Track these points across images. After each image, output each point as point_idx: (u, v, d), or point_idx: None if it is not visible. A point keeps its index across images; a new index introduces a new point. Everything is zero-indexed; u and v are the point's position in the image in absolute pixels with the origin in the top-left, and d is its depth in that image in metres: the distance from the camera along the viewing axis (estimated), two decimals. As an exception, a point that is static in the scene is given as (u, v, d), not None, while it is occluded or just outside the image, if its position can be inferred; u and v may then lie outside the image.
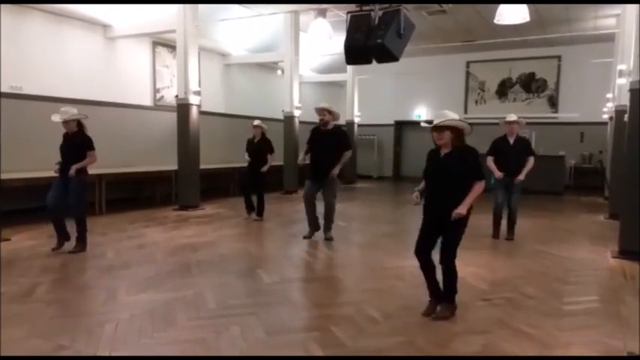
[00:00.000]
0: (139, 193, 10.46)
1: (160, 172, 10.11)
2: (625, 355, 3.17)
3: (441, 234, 3.77)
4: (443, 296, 3.81)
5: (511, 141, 6.76)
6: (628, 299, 4.32)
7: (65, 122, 5.67)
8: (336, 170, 6.35)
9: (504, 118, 6.86)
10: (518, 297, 4.34)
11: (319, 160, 6.45)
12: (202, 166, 9.82)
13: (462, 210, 3.56)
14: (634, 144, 5.66)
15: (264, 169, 8.25)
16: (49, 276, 4.80)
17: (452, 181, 3.65)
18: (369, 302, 4.10)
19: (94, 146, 5.81)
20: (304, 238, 6.70)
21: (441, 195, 3.71)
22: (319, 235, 6.74)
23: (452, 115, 3.68)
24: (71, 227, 5.85)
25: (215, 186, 11.76)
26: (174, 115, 9.68)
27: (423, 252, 3.81)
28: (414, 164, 17.66)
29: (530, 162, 6.67)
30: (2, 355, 3.03)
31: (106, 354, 3.09)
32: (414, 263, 5.38)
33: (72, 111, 5.73)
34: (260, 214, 8.38)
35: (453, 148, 3.70)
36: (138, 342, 3.28)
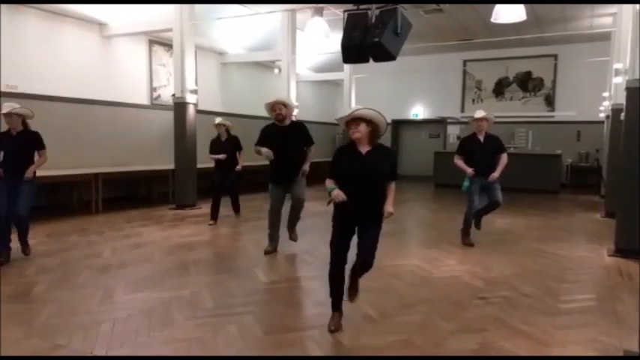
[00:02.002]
0: (135, 192, 10.44)
1: (157, 171, 10.09)
2: (622, 353, 3.18)
3: (352, 235, 3.53)
4: (352, 284, 3.61)
5: (481, 139, 6.39)
6: (624, 297, 4.34)
7: (8, 116, 5.16)
8: (306, 167, 5.83)
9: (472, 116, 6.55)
10: (514, 295, 4.34)
11: (285, 160, 5.66)
12: (199, 165, 9.81)
13: (391, 208, 3.47)
14: (630, 142, 5.68)
15: (239, 168, 7.88)
16: (46, 276, 4.79)
17: (375, 180, 3.46)
18: (366, 301, 4.10)
19: (44, 144, 5.43)
20: (266, 253, 5.84)
21: (363, 194, 3.41)
22: (318, 236, 6.73)
23: (368, 109, 3.44)
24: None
25: (212, 185, 11.72)
26: (171, 114, 9.66)
27: (343, 264, 3.50)
28: (412, 163, 17.70)
29: (504, 159, 6.30)
30: (2, 355, 3.02)
31: (103, 353, 3.08)
32: (411, 262, 5.43)
33: (14, 105, 5.25)
34: (237, 211, 8.30)
35: (373, 145, 3.49)
36: (135, 341, 3.28)
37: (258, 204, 9.84)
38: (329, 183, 3.50)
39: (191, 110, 9.42)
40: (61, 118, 8.76)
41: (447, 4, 10.99)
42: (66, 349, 3.15)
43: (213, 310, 3.88)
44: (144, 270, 5.06)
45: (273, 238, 6.00)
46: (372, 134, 3.46)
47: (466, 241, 6.40)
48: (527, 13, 7.09)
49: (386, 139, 18.02)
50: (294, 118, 11.30)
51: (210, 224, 7.75)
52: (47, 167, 8.16)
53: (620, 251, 5.79)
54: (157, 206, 9.54)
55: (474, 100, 16.66)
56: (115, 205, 9.21)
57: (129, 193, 10.30)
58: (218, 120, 8.06)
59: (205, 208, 9.43)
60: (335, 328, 3.45)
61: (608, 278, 5.03)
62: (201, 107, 10.23)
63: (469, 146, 6.41)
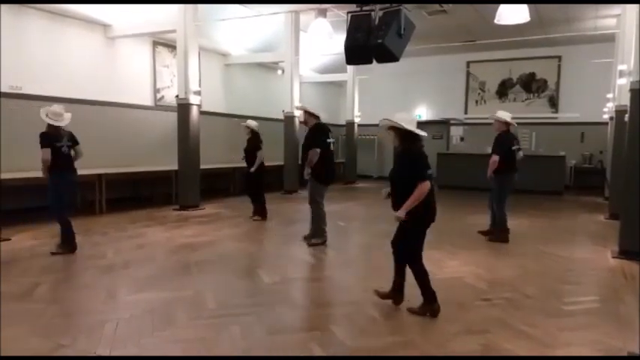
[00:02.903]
0: (139, 192, 10.47)
1: (160, 172, 10.11)
2: (625, 355, 3.17)
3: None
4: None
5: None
6: (628, 299, 4.33)
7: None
8: (305, 173, 6.09)
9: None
10: (517, 297, 4.33)
11: (332, 160, 6.35)
12: (202, 166, 9.82)
13: (400, 214, 3.65)
14: (634, 144, 5.66)
15: (252, 169, 8.09)
16: (50, 276, 4.80)
17: (398, 184, 3.78)
18: (369, 302, 4.10)
19: (41, 144, 5.43)
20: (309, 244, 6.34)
21: (394, 198, 3.84)
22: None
23: (397, 116, 3.73)
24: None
25: (215, 186, 11.77)
26: (174, 115, 9.68)
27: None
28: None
29: (492, 159, 6.58)
30: (2, 355, 3.03)
31: (106, 353, 3.09)
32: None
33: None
34: (257, 213, 8.33)
35: (401, 149, 3.83)
36: (138, 341, 3.29)
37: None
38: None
39: (194, 111, 9.43)
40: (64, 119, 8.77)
41: (450, 5, 10.98)
42: (69, 348, 3.16)
43: (216, 311, 3.88)
44: (147, 270, 5.07)
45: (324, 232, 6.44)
46: (401, 140, 3.78)
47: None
48: (531, 15, 7.08)
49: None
50: (297, 120, 11.35)
51: (253, 219, 8.24)
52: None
53: (624, 253, 5.77)
54: (161, 207, 9.56)
55: (477, 102, 16.65)
56: (119, 206, 9.23)
57: (132, 193, 10.32)
58: (248, 122, 8.33)
59: (208, 208, 9.46)
60: (382, 295, 4.02)
61: (611, 280, 5.01)
62: (204, 108, 10.25)
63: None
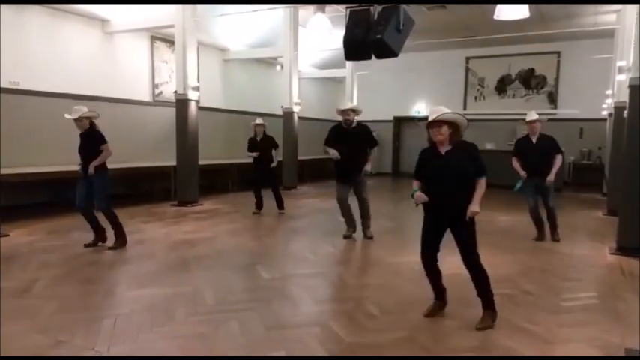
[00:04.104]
0: (137, 188, 10.45)
1: (159, 168, 10.10)
2: (623, 352, 3.17)
3: (443, 235, 3.64)
4: (483, 303, 3.62)
5: (534, 140, 6.58)
6: (626, 295, 4.33)
7: (77, 120, 5.64)
8: (368, 168, 6.37)
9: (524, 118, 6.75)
10: (516, 293, 4.34)
11: (350, 159, 6.29)
12: (201, 162, 9.81)
13: (476, 208, 3.45)
14: (633, 140, 5.67)
15: (274, 165, 8.50)
16: (48, 272, 4.79)
17: (460, 179, 3.49)
18: (368, 298, 4.11)
19: (106, 140, 5.87)
20: (345, 237, 6.55)
21: (450, 194, 3.50)
22: (321, 233, 6.74)
23: (447, 110, 3.56)
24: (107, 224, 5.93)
25: (214, 182, 11.75)
26: (173, 111, 9.66)
27: (433, 255, 3.68)
28: (413, 160, 17.61)
29: (558, 160, 6.47)
30: (2, 355, 3.02)
31: (105, 349, 3.09)
32: (413, 259, 5.40)
33: (83, 109, 5.70)
34: (281, 206, 8.58)
35: (453, 144, 3.57)
36: (137, 337, 3.28)
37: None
38: (415, 185, 3.69)
39: (193, 107, 9.41)
40: (63, 114, 8.75)
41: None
42: (68, 344, 3.15)
43: (215, 306, 3.88)
44: (146, 266, 5.07)
45: (349, 224, 6.63)
46: (453, 135, 3.55)
47: (537, 236, 6.72)
48: (531, 10, 7.06)
49: (387, 136, 18.03)
50: (295, 116, 11.42)
51: (254, 212, 8.45)
52: (48, 163, 8.22)
53: (622, 249, 5.78)
54: (159, 203, 9.55)
55: (476, 98, 16.63)
56: (117, 202, 9.17)
57: (131, 189, 10.30)
58: (258, 120, 8.58)
59: (207, 204, 9.45)
60: (427, 313, 3.72)
61: (609, 276, 5.03)
62: (203, 104, 10.23)
63: (522, 147, 6.65)
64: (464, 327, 3.53)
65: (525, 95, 15.84)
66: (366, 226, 6.60)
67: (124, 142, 10.07)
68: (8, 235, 6.30)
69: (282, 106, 12.31)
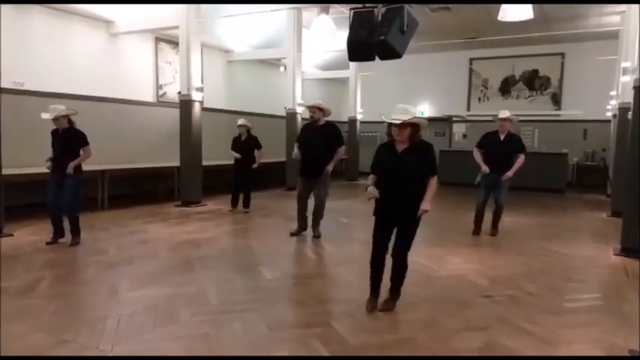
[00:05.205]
0: (141, 188, 10.47)
1: (162, 168, 10.13)
2: (627, 353, 3.16)
3: (391, 232, 3.79)
4: (392, 289, 3.86)
5: (502, 137, 6.67)
6: (630, 297, 4.32)
7: (56, 119, 5.66)
8: (329, 167, 6.33)
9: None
10: (519, 294, 4.33)
11: (312, 157, 6.36)
12: (204, 162, 9.83)
13: (427, 206, 3.59)
14: (637, 142, 5.65)
15: (255, 166, 8.54)
16: (52, 271, 4.81)
17: (412, 177, 3.61)
18: (370, 299, 4.10)
19: (88, 141, 5.87)
20: (292, 235, 6.64)
21: (401, 191, 3.64)
22: (323, 233, 6.73)
23: (412, 110, 3.64)
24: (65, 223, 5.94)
25: (217, 182, 11.76)
26: (176, 112, 9.68)
27: (382, 253, 3.83)
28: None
29: (520, 159, 6.54)
30: (3, 355, 3.03)
31: (109, 349, 3.10)
32: (416, 260, 5.40)
33: (60, 107, 5.72)
34: (247, 205, 8.75)
35: (411, 143, 3.65)
36: (140, 337, 3.30)
37: (263, 202, 9.88)
38: (370, 179, 3.80)
39: (197, 108, 9.44)
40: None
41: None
42: (72, 344, 3.17)
43: (218, 307, 3.89)
44: (149, 266, 5.08)
45: (300, 222, 6.68)
46: (412, 135, 3.63)
47: (473, 230, 6.88)
48: (535, 12, 7.05)
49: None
50: (299, 117, 11.45)
51: (229, 210, 8.67)
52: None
53: (626, 250, 5.76)
54: (163, 203, 9.58)
55: (480, 99, 16.61)
56: (121, 202, 9.24)
57: (134, 189, 10.33)
58: (241, 121, 8.71)
59: (210, 205, 9.47)
60: (370, 308, 3.77)
61: (613, 277, 5.01)
62: (206, 105, 10.25)
63: (489, 142, 6.73)
64: (465, 328, 3.53)
65: (529, 96, 15.80)
66: (315, 223, 6.61)
67: (128, 142, 10.13)
68: (12, 235, 6.33)
69: (285, 107, 12.33)
